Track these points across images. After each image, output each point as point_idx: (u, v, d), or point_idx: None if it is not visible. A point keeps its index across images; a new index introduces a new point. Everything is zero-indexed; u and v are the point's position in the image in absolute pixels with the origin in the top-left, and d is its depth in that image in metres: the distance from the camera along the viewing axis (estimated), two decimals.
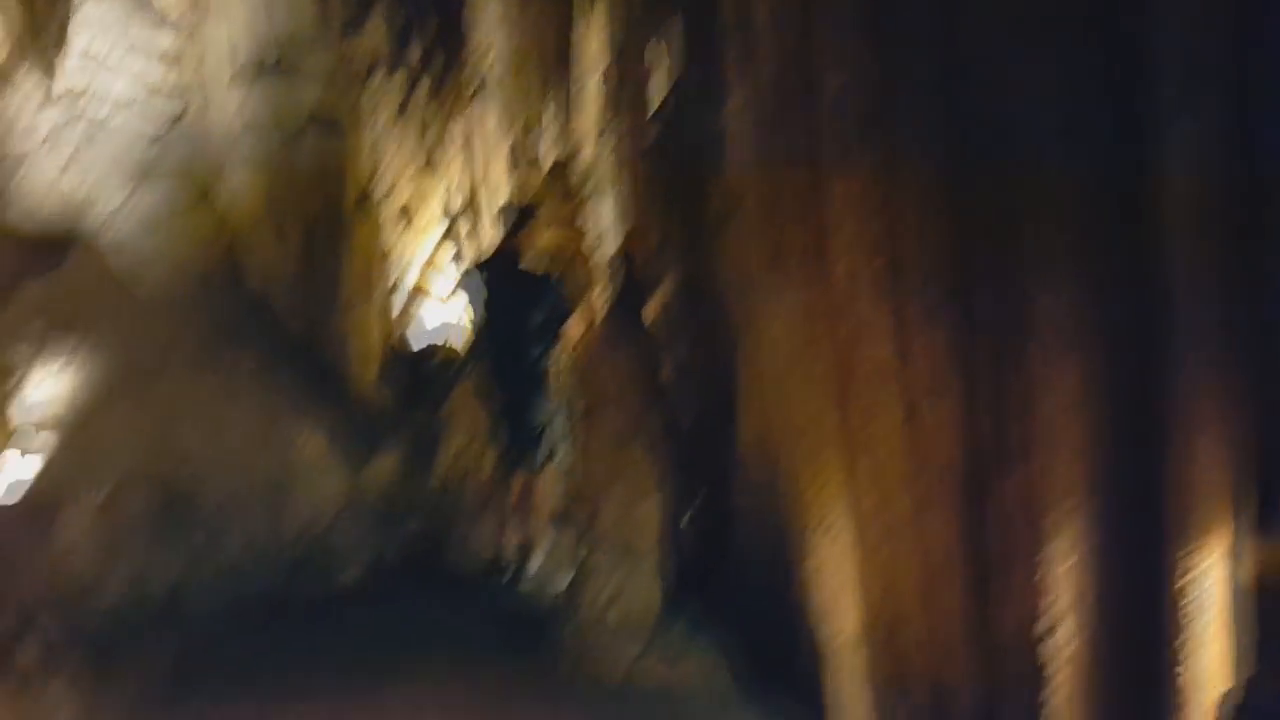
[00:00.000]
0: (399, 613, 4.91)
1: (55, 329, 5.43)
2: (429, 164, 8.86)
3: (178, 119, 6.61)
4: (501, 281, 5.22)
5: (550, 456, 5.28)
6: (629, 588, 4.33)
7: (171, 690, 3.86)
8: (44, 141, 6.34)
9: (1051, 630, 2.71)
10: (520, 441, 5.38)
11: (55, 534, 4.48)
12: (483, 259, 5.66)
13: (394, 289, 7.93)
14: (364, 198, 6.86)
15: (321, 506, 5.76)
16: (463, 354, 7.62)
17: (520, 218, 5.33)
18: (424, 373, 7.15)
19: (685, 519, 4.57)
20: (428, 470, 6.56)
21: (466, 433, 6.84)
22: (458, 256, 9.58)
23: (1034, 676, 2.75)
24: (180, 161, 6.53)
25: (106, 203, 6.32)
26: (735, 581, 4.22)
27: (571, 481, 4.90)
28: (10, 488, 4.44)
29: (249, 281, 6.37)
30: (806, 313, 3.39)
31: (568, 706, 3.75)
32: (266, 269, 6.35)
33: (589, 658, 4.12)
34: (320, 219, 6.38)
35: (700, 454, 4.58)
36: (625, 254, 5.09)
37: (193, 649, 4.32)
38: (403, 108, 8.33)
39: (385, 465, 6.30)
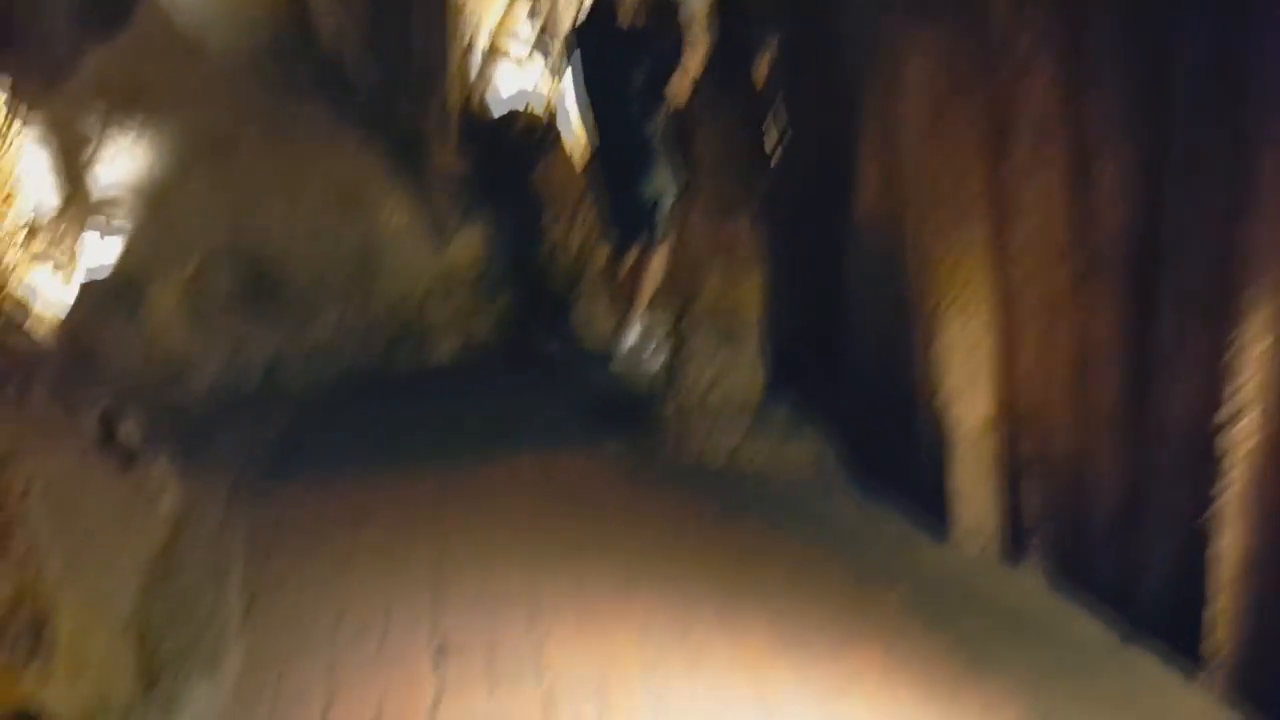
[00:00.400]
0: (494, 392, 4.81)
1: (123, 97, 5.14)
2: None
3: None
4: (599, 42, 4.70)
5: (661, 231, 4.91)
6: (730, 370, 4.10)
7: (272, 467, 3.85)
8: None
9: (1233, 420, 2.35)
10: (629, 215, 5.01)
11: (146, 312, 4.40)
12: (578, 21, 5.11)
13: (469, 49, 7.38)
14: None
15: (410, 282, 5.60)
16: (547, 121, 7.17)
17: None
18: (506, 141, 6.72)
19: (790, 298, 4.23)
20: (517, 244, 6.32)
21: (557, 205, 6.53)
22: (533, 13, 8.89)
23: (1201, 469, 2.43)
24: None
25: None
26: (844, 365, 3.93)
27: (672, 257, 4.57)
28: (94, 268, 4.30)
29: (320, 43, 5.92)
30: (954, 53, 2.86)
31: (668, 490, 3.60)
32: (338, 27, 5.87)
33: (689, 441, 3.95)
34: None
35: (810, 227, 4.17)
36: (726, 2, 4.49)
37: (292, 426, 4.31)
38: None
39: (472, 239, 6.05)
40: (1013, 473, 3.09)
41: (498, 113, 7.29)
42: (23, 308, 3.86)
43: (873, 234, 3.69)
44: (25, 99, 4.72)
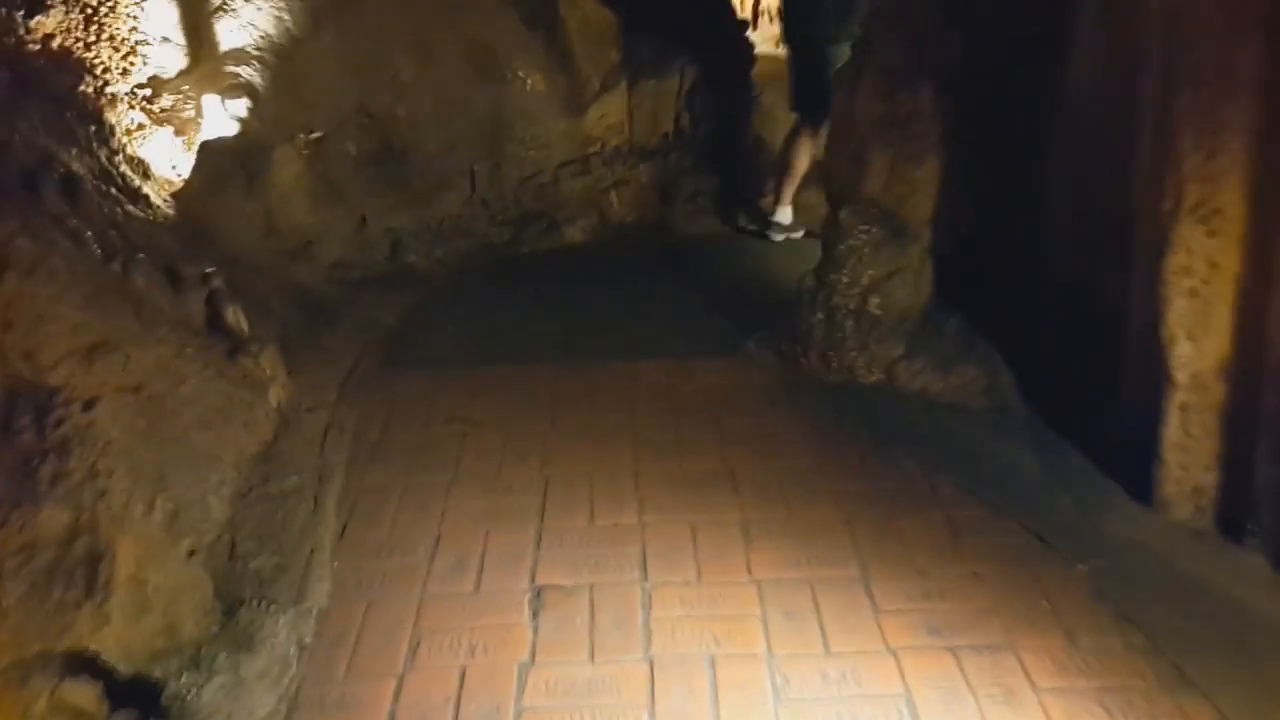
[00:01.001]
0: (627, 281, 4.41)
1: None
2: None
3: None
4: None
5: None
6: (893, 270, 3.54)
7: (389, 356, 3.63)
8: None
9: None
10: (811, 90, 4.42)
11: (268, 179, 4.18)
12: None
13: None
14: None
15: (544, 151, 5.19)
16: None
17: None
18: None
19: (973, 190, 3.60)
20: (661, 113, 5.78)
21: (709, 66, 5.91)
22: None
23: None
24: None
25: None
26: (1032, 275, 3.32)
27: (834, 132, 3.97)
28: (216, 132, 4.07)
29: None
30: None
31: (809, 411, 3.16)
32: None
33: (840, 352, 3.47)
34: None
35: (1005, 102, 3.49)
36: None
37: (414, 310, 4.08)
38: None
39: (612, 107, 5.55)
40: (1245, 430, 2.49)
41: None
42: (141, 172, 3.68)
43: (1090, 111, 3.02)
44: None
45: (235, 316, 3.15)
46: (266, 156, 4.20)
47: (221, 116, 4.09)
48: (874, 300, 3.50)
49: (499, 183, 5.04)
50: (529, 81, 5.21)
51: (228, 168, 3.97)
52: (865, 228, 3.59)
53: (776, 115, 6.14)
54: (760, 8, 7.38)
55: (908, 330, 3.46)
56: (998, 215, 3.54)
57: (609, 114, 5.55)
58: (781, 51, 6.86)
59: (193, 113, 4.11)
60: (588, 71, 5.49)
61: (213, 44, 4.35)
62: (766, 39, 7.27)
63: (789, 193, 4.99)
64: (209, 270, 3.21)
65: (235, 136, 4.14)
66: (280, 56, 4.49)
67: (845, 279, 3.54)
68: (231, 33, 4.40)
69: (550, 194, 5.24)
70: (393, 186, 4.62)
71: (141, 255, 3.05)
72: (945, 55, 3.68)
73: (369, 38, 4.74)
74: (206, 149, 3.89)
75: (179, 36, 4.23)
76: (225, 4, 4.41)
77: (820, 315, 3.47)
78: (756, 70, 6.30)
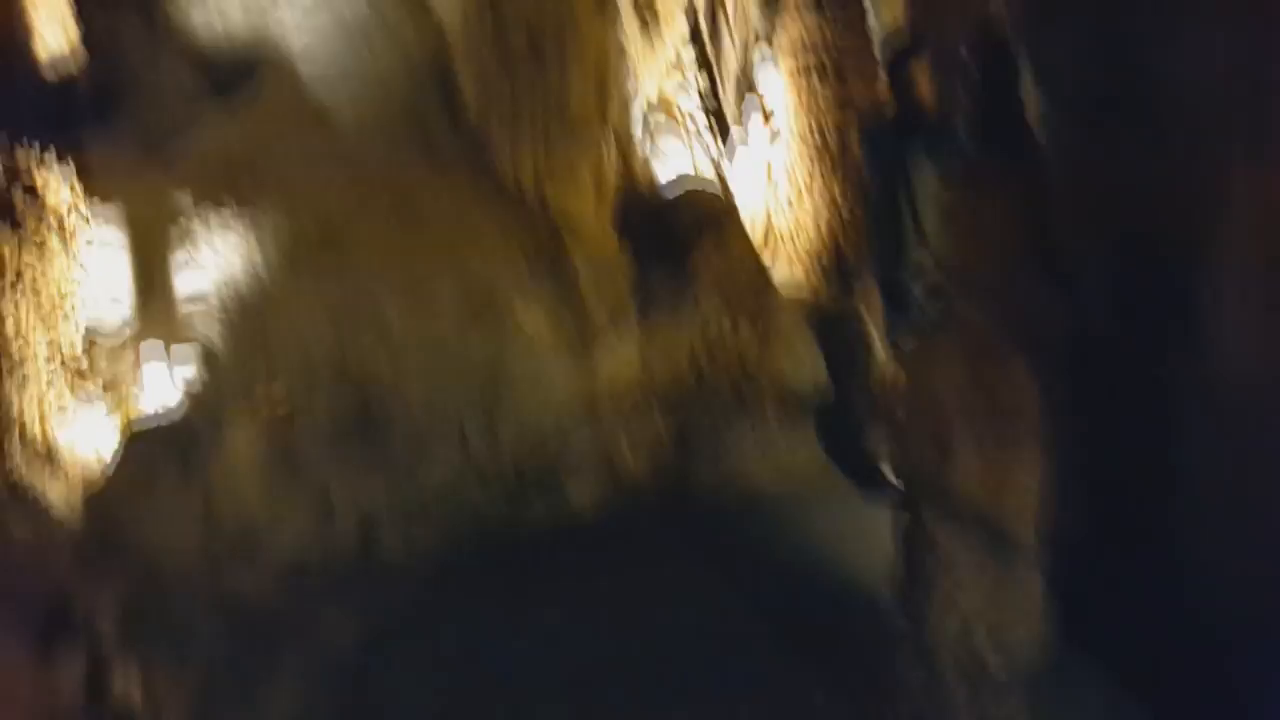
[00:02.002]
0: (653, 572, 3.59)
1: (228, 175, 4.29)
2: None
3: None
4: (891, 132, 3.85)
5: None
6: (1002, 599, 2.75)
7: (360, 670, 2.76)
8: None
9: None
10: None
11: (216, 461, 3.43)
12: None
13: (630, 102, 6.33)
14: None
15: (546, 405, 4.50)
16: (724, 194, 5.99)
17: (901, 58, 3.66)
18: (675, 219, 5.58)
19: (1086, 489, 2.88)
20: (686, 355, 5.16)
21: (731, 302, 5.35)
22: (702, 63, 7.79)
23: None
24: None
25: (300, 7, 5.02)
26: (1183, 607, 2.55)
27: (904, 398, 3.27)
28: (156, 406, 3.36)
29: (460, 103, 4.96)
30: None
31: None
32: (482, 83, 4.89)
33: (944, 707, 2.63)
34: (546, 7, 4.79)
35: (1120, 375, 2.84)
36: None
37: (389, 610, 3.24)
38: None
39: (627, 349, 4.93)
40: None
41: (665, 183, 6.21)
42: (45, 470, 2.93)
43: (1249, 387, 2.33)
44: (106, 181, 3.91)
45: (125, 683, 2.32)
46: (216, 430, 3.47)
47: (166, 386, 3.39)
48: (978, 636, 2.69)
49: (494, 441, 4.32)
50: (531, 321, 4.59)
51: (160, 457, 3.24)
52: (960, 537, 2.82)
53: (797, 346, 5.55)
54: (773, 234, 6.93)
55: (1028, 683, 2.64)
56: (1131, 518, 2.80)
57: (619, 351, 4.92)
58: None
59: (132, 382, 3.40)
60: (595, 307, 4.90)
61: (167, 296, 3.72)
62: (782, 259, 6.78)
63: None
64: (97, 617, 2.40)
65: (178, 412, 3.42)
66: (247, 307, 3.86)
67: (938, 605, 2.74)
68: (191, 281, 3.78)
69: (553, 449, 4.51)
70: (369, 456, 3.89)
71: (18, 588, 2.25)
72: (1042, 319, 3.04)
73: (354, 282, 4.14)
74: (137, 439, 3.15)
75: (126, 288, 3.60)
76: (186, 247, 3.82)
77: (917, 669, 2.64)
78: (777, 293, 5.77)
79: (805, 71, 6.55)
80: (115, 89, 4.29)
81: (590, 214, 5.22)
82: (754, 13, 7.79)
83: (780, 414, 5.20)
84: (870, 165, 4.12)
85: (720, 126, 7.33)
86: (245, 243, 4.04)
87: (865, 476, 4.49)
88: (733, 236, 5.56)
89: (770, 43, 7.29)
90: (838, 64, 6.44)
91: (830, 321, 5.70)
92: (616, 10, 5.48)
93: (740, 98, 8.01)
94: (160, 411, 3.27)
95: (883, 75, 4.37)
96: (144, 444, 3.13)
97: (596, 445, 4.62)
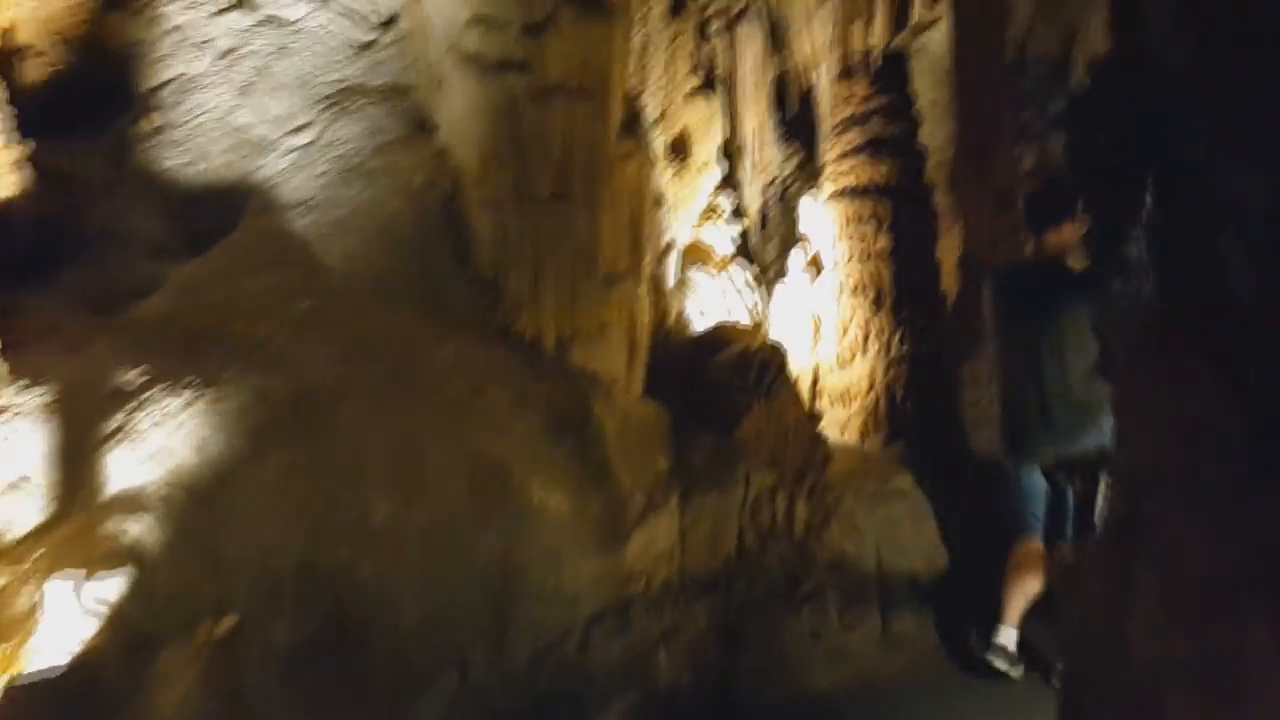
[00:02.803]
0: None
1: (197, 347, 3.64)
2: (707, 82, 6.60)
3: (391, 20, 4.82)
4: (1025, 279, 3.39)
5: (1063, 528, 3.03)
6: None
7: None
8: (222, 56, 4.70)
9: None
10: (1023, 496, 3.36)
11: (148, 695, 2.63)
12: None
13: (666, 251, 5.79)
14: (632, 122, 4.68)
15: (569, 606, 3.70)
16: (770, 346, 5.35)
17: (1049, 207, 3.30)
18: (718, 378, 4.90)
19: None
20: (722, 532, 4.38)
21: (784, 475, 4.59)
22: (738, 207, 7.31)
23: None
24: (391, 78, 4.75)
25: (291, 140, 4.58)
26: None
27: (1087, 669, 2.45)
28: (63, 632, 2.60)
29: (473, 253, 4.37)
30: None
31: None
32: (500, 231, 4.30)
33: None
34: (575, 149, 4.26)
35: None
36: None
37: None
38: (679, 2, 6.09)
39: (661, 530, 4.15)
40: None
41: (704, 336, 5.58)
42: None
43: None
44: (39, 351, 3.27)
45: None
46: (143, 667, 2.68)
47: (73, 610, 2.63)
48: None
49: (504, 660, 3.49)
50: (552, 507, 3.83)
51: (68, 703, 2.44)
52: None
53: (859, 521, 4.77)
54: (819, 387, 6.22)
55: None
56: None
57: (657, 539, 4.14)
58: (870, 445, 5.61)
59: (27, 604, 2.65)
60: (629, 487, 4.15)
61: (95, 485, 3.00)
62: (833, 423, 6.05)
63: (1015, 610, 3.46)
64: None
65: (109, 628, 2.65)
66: (195, 499, 3.13)
67: None
68: (127, 468, 3.07)
69: (576, 667, 3.68)
70: (342, 689, 3.06)
71: None
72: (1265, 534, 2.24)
73: (332, 465, 3.42)
74: (20, 694, 2.36)
75: (42, 474, 2.89)
76: (124, 426, 3.13)
77: None
78: (833, 463, 5.02)
79: (858, 219, 5.99)
80: (68, 239, 3.73)
81: (621, 377, 4.55)
82: (778, 152, 7.40)
83: (842, 604, 4.38)
84: (1001, 321, 3.43)
85: (760, 273, 6.77)
86: (204, 425, 3.34)
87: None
88: (784, 400, 4.84)
89: (817, 185, 6.81)
90: (895, 211, 5.89)
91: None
92: (652, 153, 4.96)
93: (782, 243, 7.52)
94: (61, 652, 2.49)
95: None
96: (30, 700, 2.34)
97: (628, 655, 3.78)
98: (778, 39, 7.34)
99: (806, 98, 7.50)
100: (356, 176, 4.52)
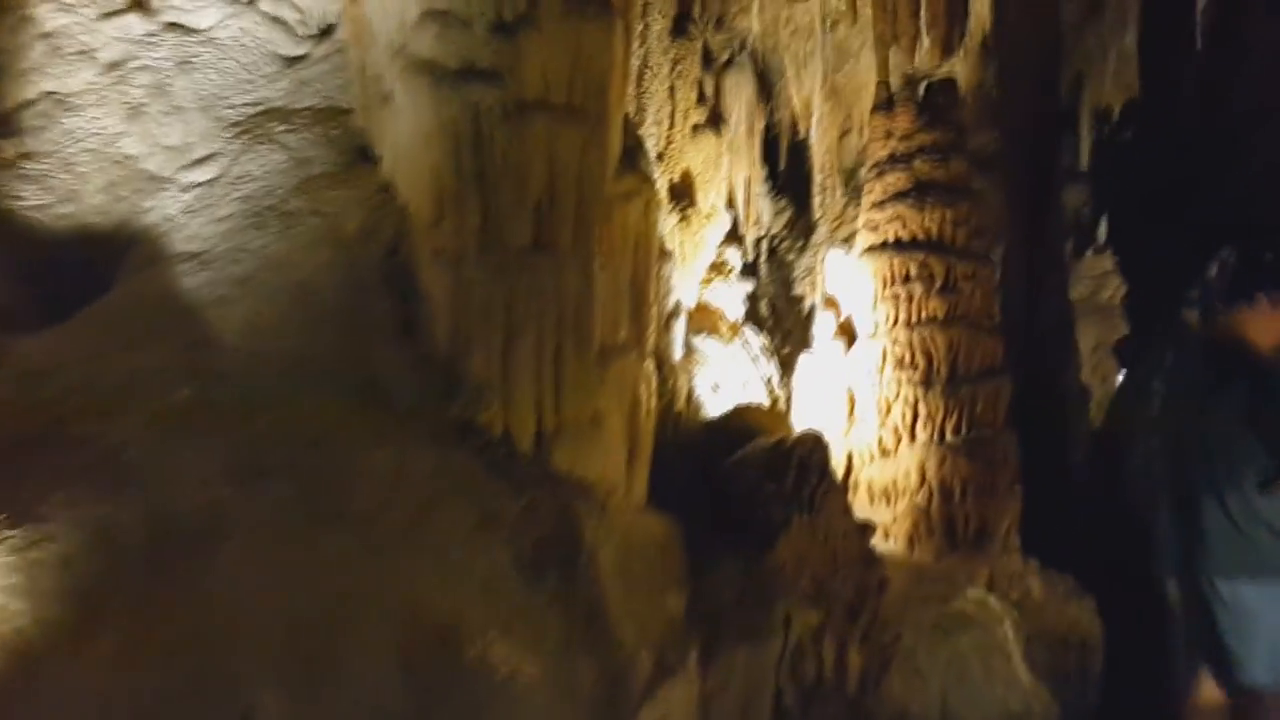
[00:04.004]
0: None
1: (27, 456, 2.61)
2: (713, 117, 5.68)
3: (327, 31, 3.95)
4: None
5: None
6: None
7: None
8: (107, 71, 3.78)
9: None
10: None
11: None
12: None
13: (671, 319, 4.79)
14: (635, 152, 3.70)
15: None
16: (814, 436, 4.27)
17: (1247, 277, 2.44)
18: (744, 483, 3.84)
19: None
20: (756, 698, 3.31)
21: (833, 613, 3.53)
22: (750, 263, 6.35)
23: None
24: (324, 98, 3.82)
25: (190, 175, 3.64)
26: None
27: None
28: None
29: (424, 320, 3.32)
30: None
31: None
32: (460, 291, 3.26)
33: None
34: (562, 185, 3.26)
35: None
36: None
37: None
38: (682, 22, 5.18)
39: (676, 703, 3.07)
40: None
41: (721, 423, 4.51)
42: None
43: None
44: None
45: None
46: None
47: None
48: None
49: None
50: (524, 683, 2.74)
51: None
52: None
53: (921, 662, 3.76)
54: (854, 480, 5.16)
55: None
56: None
57: (671, 716, 3.05)
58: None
59: None
60: (633, 643, 3.07)
61: None
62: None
63: None
64: None
65: None
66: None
67: None
68: None
69: None
70: None
71: None
72: None
73: (198, 641, 2.33)
74: None
75: None
76: None
77: None
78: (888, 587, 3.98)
79: (903, 277, 5.01)
80: None
81: (620, 482, 3.50)
82: (768, 206, 6.63)
83: None
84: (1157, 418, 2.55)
85: (781, 343, 5.80)
86: (3, 587, 2.28)
87: None
88: (832, 510, 3.80)
89: (849, 238, 5.90)
90: (949, 267, 4.92)
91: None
92: (655, 196, 3.97)
93: (772, 305, 6.64)
94: None
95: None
96: None
97: None
98: (767, 88, 6.64)
99: (798, 149, 6.81)
100: (270, 220, 3.53)
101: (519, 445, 3.17)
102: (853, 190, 6.63)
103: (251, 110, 3.91)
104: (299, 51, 4.06)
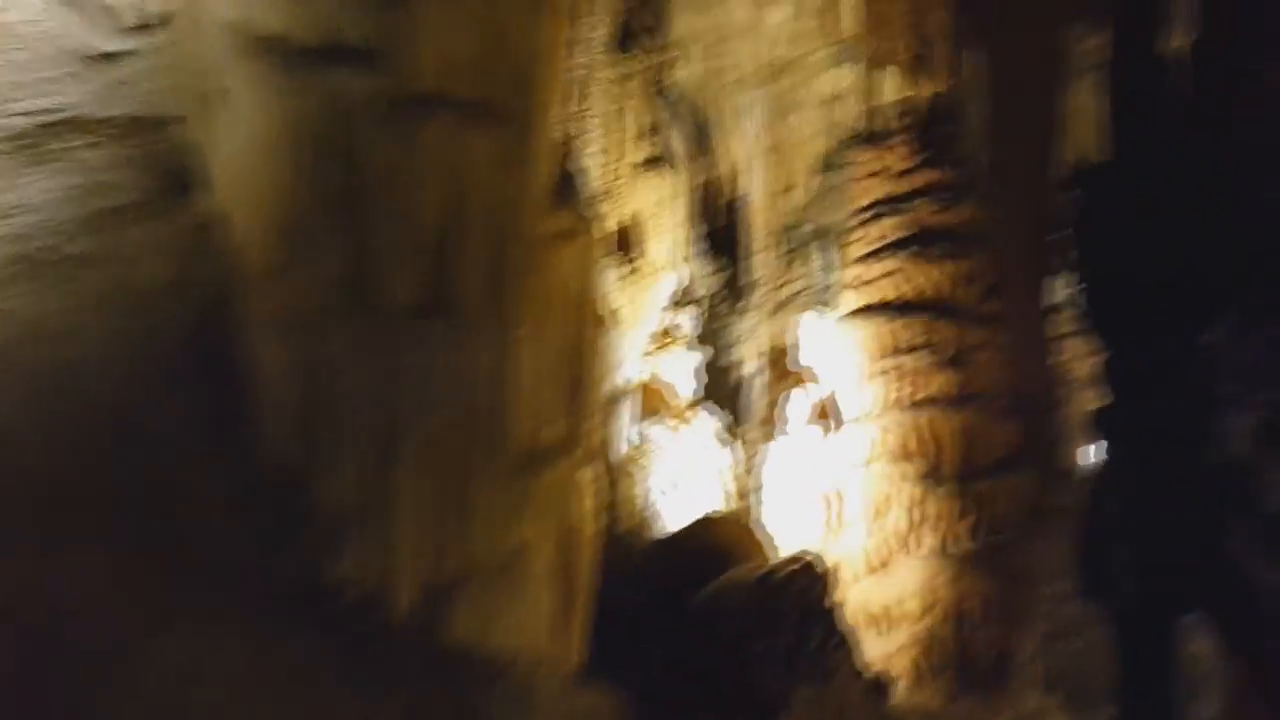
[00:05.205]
0: None
1: None
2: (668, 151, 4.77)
3: (155, 25, 3.00)
4: None
5: None
6: None
7: None
8: None
9: None
10: None
11: None
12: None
13: (617, 399, 3.80)
14: (571, 181, 2.73)
15: None
16: (808, 563, 3.24)
17: None
18: (716, 624, 2.80)
19: None
20: None
21: None
22: (706, 331, 5.43)
23: None
24: (140, 105, 2.88)
25: None
26: None
27: None
28: None
29: (242, 413, 2.23)
30: None
31: None
32: (299, 373, 2.20)
33: None
34: (469, 216, 2.27)
35: None
36: None
37: None
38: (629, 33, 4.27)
39: None
40: None
41: (677, 533, 3.45)
42: None
43: None
44: None
45: None
46: None
47: None
48: None
49: None
50: None
51: None
52: None
53: None
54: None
55: None
56: None
57: None
58: None
59: None
60: None
61: None
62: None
63: None
64: None
65: None
66: None
67: None
68: None
69: None
70: None
71: None
72: None
73: None
74: None
75: None
76: None
77: None
78: None
79: (899, 347, 4.11)
80: None
81: (550, 650, 2.46)
82: (702, 269, 5.92)
83: None
84: None
85: (739, 421, 4.89)
86: None
87: None
88: (843, 673, 2.78)
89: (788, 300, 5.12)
90: (959, 334, 4.03)
91: None
92: (597, 239, 2.99)
93: (739, 375, 5.78)
94: None
95: None
96: None
97: None
98: (702, 141, 6.11)
99: (733, 207, 6.29)
100: (44, 268, 2.49)
101: (396, 611, 2.11)
102: (793, 250, 6.30)
103: (44, 118, 2.90)
104: (114, 47, 3.05)
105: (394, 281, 2.30)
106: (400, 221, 2.30)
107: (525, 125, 2.42)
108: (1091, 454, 6.73)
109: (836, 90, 5.94)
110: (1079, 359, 7.76)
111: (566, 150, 3.01)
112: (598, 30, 3.90)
